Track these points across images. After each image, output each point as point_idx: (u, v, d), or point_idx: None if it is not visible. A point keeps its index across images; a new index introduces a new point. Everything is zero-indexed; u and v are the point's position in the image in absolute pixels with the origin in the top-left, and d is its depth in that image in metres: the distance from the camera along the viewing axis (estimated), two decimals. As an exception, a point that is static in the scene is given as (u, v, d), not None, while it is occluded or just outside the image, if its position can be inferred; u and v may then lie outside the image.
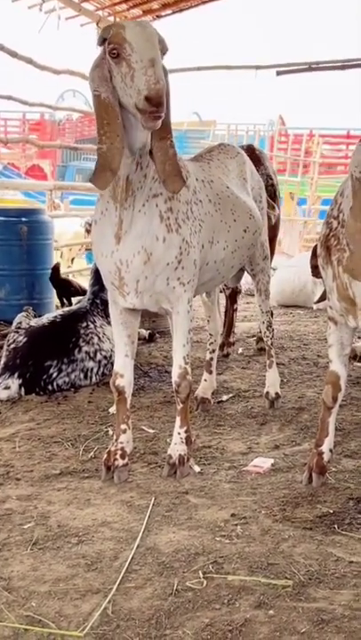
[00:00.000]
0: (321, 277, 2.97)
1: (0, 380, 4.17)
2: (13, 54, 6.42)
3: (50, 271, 6.19)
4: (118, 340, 3.11)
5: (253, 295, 5.00)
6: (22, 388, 4.15)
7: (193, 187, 3.10)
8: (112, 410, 3.77)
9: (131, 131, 2.68)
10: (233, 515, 2.69)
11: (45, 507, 2.76)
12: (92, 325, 4.48)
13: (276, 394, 4.08)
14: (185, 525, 2.61)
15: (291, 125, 21.22)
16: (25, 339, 4.28)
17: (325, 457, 2.97)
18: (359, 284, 2.59)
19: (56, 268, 6.25)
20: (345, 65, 7.61)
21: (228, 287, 5.27)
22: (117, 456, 3.03)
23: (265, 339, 4.17)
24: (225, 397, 4.23)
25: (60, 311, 4.80)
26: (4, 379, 4.16)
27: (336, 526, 2.61)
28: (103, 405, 4.02)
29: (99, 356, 4.41)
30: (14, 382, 4.14)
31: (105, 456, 3.06)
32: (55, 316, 4.55)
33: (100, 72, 2.62)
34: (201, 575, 2.26)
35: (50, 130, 24.25)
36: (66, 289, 6.44)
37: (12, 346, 4.28)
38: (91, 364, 4.37)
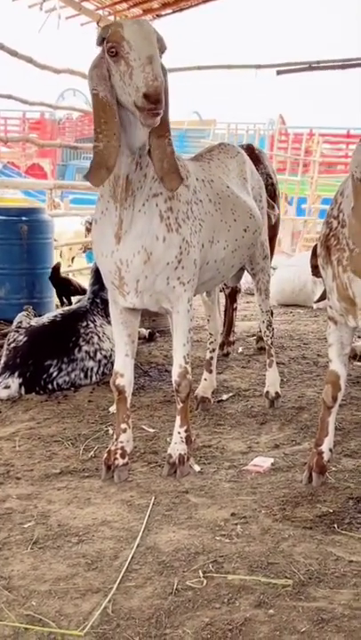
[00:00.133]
0: (321, 277, 2.98)
1: (0, 379, 4.17)
2: (14, 53, 6.40)
3: (50, 271, 6.20)
4: (118, 340, 3.11)
5: (253, 294, 5.01)
6: (22, 388, 4.15)
7: (193, 186, 3.10)
8: (112, 409, 3.77)
9: (130, 130, 2.68)
10: (233, 514, 2.69)
11: (45, 506, 2.76)
12: (92, 325, 4.48)
13: (276, 393, 4.08)
14: (185, 525, 2.61)
15: (291, 124, 21.19)
16: (25, 338, 4.29)
17: (325, 456, 2.97)
18: (359, 284, 2.59)
19: (56, 269, 6.25)
20: (345, 65, 7.60)
21: (228, 286, 5.27)
22: (117, 455, 3.04)
23: (265, 338, 4.17)
24: (225, 397, 4.23)
25: (60, 310, 4.81)
26: (4, 378, 4.16)
27: (336, 526, 2.61)
28: (103, 405, 4.02)
29: (99, 356, 4.41)
30: (14, 381, 4.14)
31: (105, 455, 3.06)
32: (55, 316, 4.55)
33: (99, 71, 2.62)
34: (201, 574, 2.26)
35: (50, 129, 24.25)
36: (66, 288, 6.45)
37: (13, 345, 4.28)
38: (91, 363, 4.37)
